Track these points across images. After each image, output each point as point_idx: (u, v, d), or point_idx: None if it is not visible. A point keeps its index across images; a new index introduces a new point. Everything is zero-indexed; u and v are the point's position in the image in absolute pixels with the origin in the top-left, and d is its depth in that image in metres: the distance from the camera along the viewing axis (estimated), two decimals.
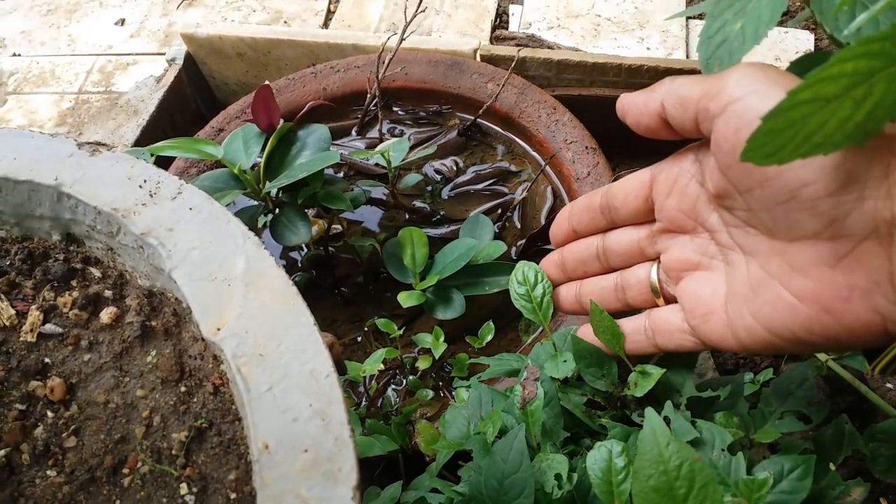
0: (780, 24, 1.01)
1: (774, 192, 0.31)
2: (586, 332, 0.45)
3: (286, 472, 0.29)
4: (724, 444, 0.43)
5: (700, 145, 0.37)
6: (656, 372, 0.43)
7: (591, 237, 0.43)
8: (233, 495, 0.33)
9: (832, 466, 0.46)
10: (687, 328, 0.39)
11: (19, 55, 1.17)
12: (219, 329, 0.34)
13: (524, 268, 0.51)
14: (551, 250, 0.71)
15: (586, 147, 0.75)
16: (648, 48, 0.96)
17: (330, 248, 0.78)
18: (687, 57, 0.93)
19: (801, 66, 0.49)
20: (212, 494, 0.33)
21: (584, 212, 0.43)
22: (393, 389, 0.70)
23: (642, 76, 0.82)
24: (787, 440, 0.48)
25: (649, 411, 0.38)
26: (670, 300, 0.41)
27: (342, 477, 0.29)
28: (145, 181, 0.39)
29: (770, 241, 0.33)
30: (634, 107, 0.37)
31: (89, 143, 0.41)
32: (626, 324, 0.43)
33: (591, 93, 0.85)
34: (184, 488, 0.33)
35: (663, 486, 0.36)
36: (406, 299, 0.67)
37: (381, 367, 0.69)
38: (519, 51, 0.84)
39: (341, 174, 0.85)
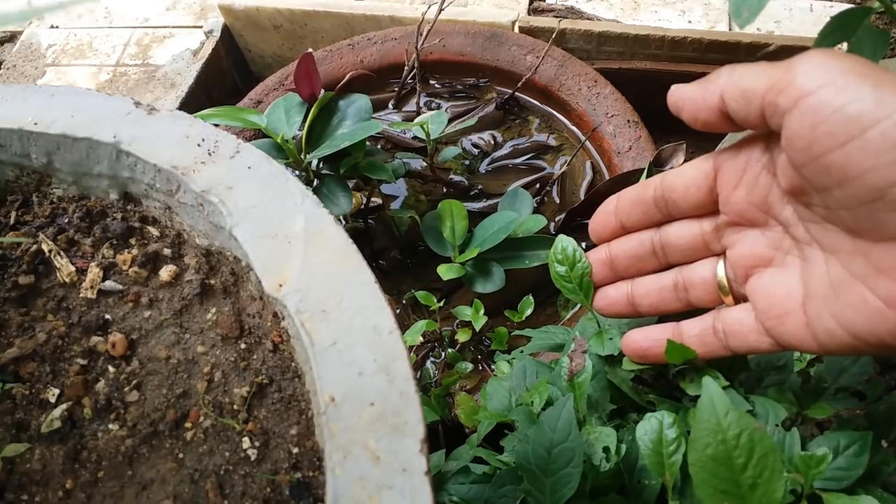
0: None
1: (857, 191, 0.28)
2: (638, 339, 0.42)
3: (353, 424, 0.29)
4: (777, 419, 0.42)
5: (769, 133, 0.34)
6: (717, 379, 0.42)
7: (644, 232, 0.40)
8: (295, 449, 0.33)
9: (884, 444, 0.46)
10: (762, 329, 0.36)
11: (57, 27, 1.18)
12: (281, 285, 0.34)
13: (562, 242, 0.49)
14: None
15: (628, 121, 0.74)
16: (690, 21, 0.94)
17: (369, 221, 0.78)
18: (730, 29, 0.91)
19: (840, 21, 0.48)
20: (274, 448, 0.33)
21: (634, 205, 0.39)
22: (432, 362, 0.70)
23: (686, 48, 0.80)
24: (839, 416, 0.48)
25: (707, 380, 0.37)
26: (739, 299, 0.38)
27: (409, 430, 0.29)
28: (203, 140, 0.40)
29: (853, 240, 0.30)
30: (690, 101, 0.34)
31: (146, 103, 0.42)
32: (692, 326, 0.39)
33: (633, 66, 0.84)
34: (246, 442, 0.34)
35: (721, 454, 0.35)
36: (446, 272, 0.67)
37: (420, 339, 0.69)
38: (559, 22, 0.82)
39: (378, 147, 0.85)
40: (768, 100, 0.30)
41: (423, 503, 0.26)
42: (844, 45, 0.49)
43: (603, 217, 0.41)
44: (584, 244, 0.68)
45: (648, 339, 0.41)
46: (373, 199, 0.78)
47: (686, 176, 0.37)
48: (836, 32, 0.49)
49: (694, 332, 0.39)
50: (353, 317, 0.32)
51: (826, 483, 0.39)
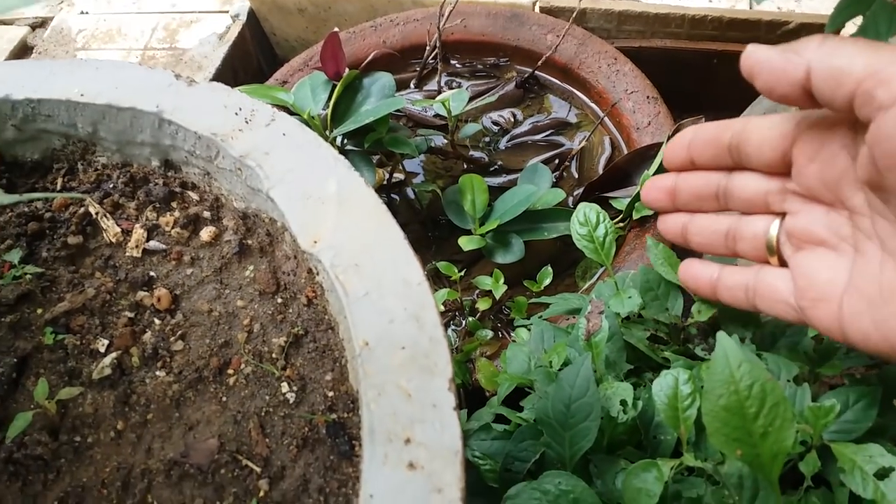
0: None
1: None
2: (686, 269, 0.44)
3: (386, 365, 0.31)
4: (789, 375, 0.44)
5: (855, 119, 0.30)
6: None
7: (713, 173, 0.39)
8: (330, 393, 0.35)
9: (895, 403, 0.47)
10: (793, 302, 0.36)
11: (87, 13, 1.21)
12: (316, 242, 0.36)
13: (585, 209, 0.52)
14: (610, 199, 0.72)
15: (647, 97, 0.76)
16: (710, 0, 0.94)
17: (391, 195, 0.80)
18: (750, 8, 0.91)
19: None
20: (310, 392, 0.36)
21: (708, 146, 0.38)
22: (453, 330, 0.72)
23: (706, 27, 0.81)
24: (851, 377, 0.49)
25: (721, 334, 0.39)
26: (783, 263, 0.37)
27: (438, 371, 0.31)
28: (240, 109, 0.42)
29: None
30: (769, 70, 0.31)
31: (186, 76, 0.44)
32: (732, 276, 0.40)
33: (653, 44, 0.85)
34: (285, 387, 0.36)
35: (734, 405, 0.37)
36: (467, 243, 0.69)
37: (442, 307, 0.71)
38: (580, 1, 0.84)
39: (401, 124, 0.86)
40: (864, 88, 0.27)
41: (452, 434, 0.29)
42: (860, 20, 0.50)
43: (677, 148, 0.40)
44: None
45: (688, 274, 0.43)
46: (395, 174, 0.80)
47: (763, 132, 0.35)
48: (851, 7, 0.50)
49: (728, 284, 0.40)
50: (384, 270, 0.35)
51: (835, 435, 0.41)
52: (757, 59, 0.31)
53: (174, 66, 1.08)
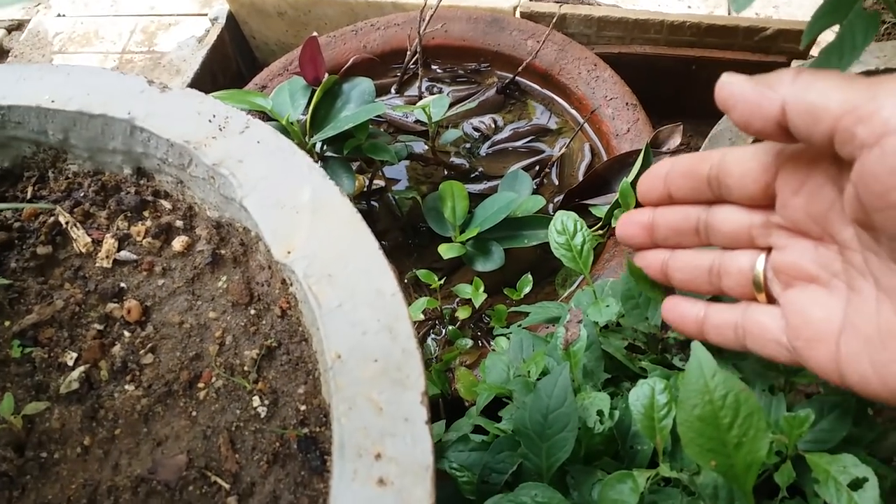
0: None
1: None
2: (669, 308, 0.41)
3: (358, 377, 0.31)
4: (764, 385, 0.44)
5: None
6: None
7: (692, 207, 0.37)
8: (302, 407, 0.35)
9: (870, 412, 0.47)
10: (785, 342, 0.34)
11: (64, 15, 1.19)
12: (289, 252, 0.36)
13: (563, 217, 0.52)
14: (589, 206, 0.72)
15: (626, 103, 0.76)
16: (689, 7, 0.95)
17: (371, 203, 0.79)
18: (728, 14, 0.92)
19: (833, 4, 0.49)
20: (282, 406, 0.35)
21: (685, 178, 0.36)
22: (432, 339, 0.72)
23: (684, 33, 0.81)
24: (826, 385, 0.49)
25: (696, 344, 0.39)
26: (771, 299, 0.35)
27: (410, 383, 0.30)
28: (214, 116, 0.41)
29: None
30: (744, 104, 0.29)
31: (159, 81, 0.43)
32: (717, 316, 0.37)
33: (632, 50, 0.85)
34: (256, 401, 0.36)
35: (708, 414, 0.37)
36: (447, 251, 0.69)
37: (422, 316, 0.71)
38: (560, 7, 0.84)
39: (381, 130, 0.86)
40: (843, 125, 0.26)
41: (423, 448, 0.28)
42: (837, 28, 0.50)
43: (652, 181, 0.37)
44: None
45: (674, 313, 0.40)
46: (375, 181, 0.79)
47: (744, 164, 0.33)
48: (828, 15, 0.50)
49: (715, 323, 0.37)
50: (358, 280, 0.34)
51: (810, 445, 0.41)
52: (731, 91, 0.30)
53: (152, 70, 1.06)
